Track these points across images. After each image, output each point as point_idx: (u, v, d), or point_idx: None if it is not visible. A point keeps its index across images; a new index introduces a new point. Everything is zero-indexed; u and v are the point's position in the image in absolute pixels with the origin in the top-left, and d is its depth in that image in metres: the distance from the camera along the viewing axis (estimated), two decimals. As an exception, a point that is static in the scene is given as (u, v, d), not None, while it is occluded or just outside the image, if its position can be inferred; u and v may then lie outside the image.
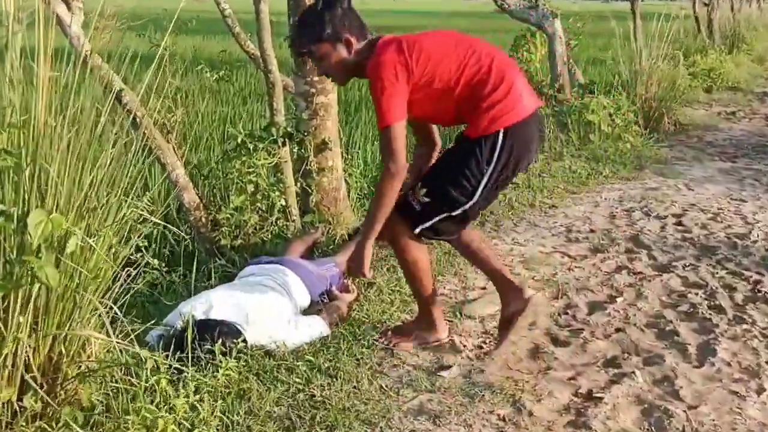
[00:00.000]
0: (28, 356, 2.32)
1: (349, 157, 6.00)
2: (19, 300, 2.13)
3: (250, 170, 4.79)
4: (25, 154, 2.09)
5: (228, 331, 3.09)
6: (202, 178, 5.49)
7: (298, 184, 4.96)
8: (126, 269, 2.98)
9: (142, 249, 4.45)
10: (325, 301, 3.81)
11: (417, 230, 3.14)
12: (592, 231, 5.15)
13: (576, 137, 7.48)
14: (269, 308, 3.36)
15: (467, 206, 3.07)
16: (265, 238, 4.76)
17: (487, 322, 3.69)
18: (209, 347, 2.97)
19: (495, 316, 3.73)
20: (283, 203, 4.88)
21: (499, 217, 5.35)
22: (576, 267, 4.46)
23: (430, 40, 3.06)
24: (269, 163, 4.83)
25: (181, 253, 4.73)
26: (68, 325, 2.33)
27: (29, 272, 2.01)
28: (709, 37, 15.58)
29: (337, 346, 3.30)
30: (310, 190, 4.94)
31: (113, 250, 2.64)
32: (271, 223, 4.81)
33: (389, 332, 3.44)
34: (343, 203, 5.02)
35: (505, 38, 17.87)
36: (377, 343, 3.37)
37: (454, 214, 3.08)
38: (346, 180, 5.20)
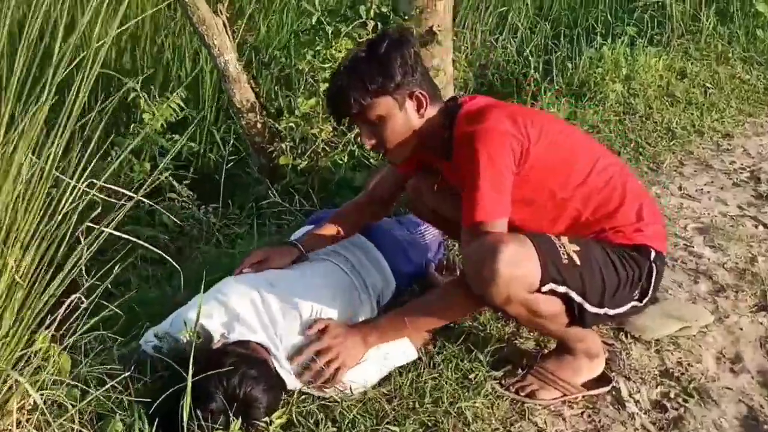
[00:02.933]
0: None
1: (461, 56, 4.57)
2: None
3: (326, 64, 3.46)
4: None
5: (263, 385, 1.86)
6: (262, 66, 4.16)
7: (390, 89, 3.64)
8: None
9: (164, 174, 3.27)
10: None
11: (545, 288, 1.94)
12: (789, 182, 3.71)
13: (743, 33, 5.82)
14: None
15: (592, 311, 2.02)
16: (339, 160, 3.48)
17: (668, 352, 2.40)
18: (223, 421, 1.77)
19: (679, 341, 2.44)
20: (368, 113, 3.56)
21: (658, 149, 3.93)
22: (783, 248, 3.07)
23: (551, 122, 2.15)
24: (353, 57, 3.49)
25: (222, 173, 3.47)
26: None
27: None
28: None
29: (436, 396, 2.07)
30: (405, 98, 3.62)
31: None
32: (350, 140, 3.52)
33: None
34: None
35: None
36: (500, 392, 2.13)
37: (578, 300, 1.99)
38: (455, 86, 3.82)
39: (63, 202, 1.51)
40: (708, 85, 4.87)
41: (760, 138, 4.24)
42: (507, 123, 1.98)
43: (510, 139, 1.96)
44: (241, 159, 3.77)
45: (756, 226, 3.23)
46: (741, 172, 3.78)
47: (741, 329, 2.53)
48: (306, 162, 3.47)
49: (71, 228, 1.54)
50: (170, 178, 3.16)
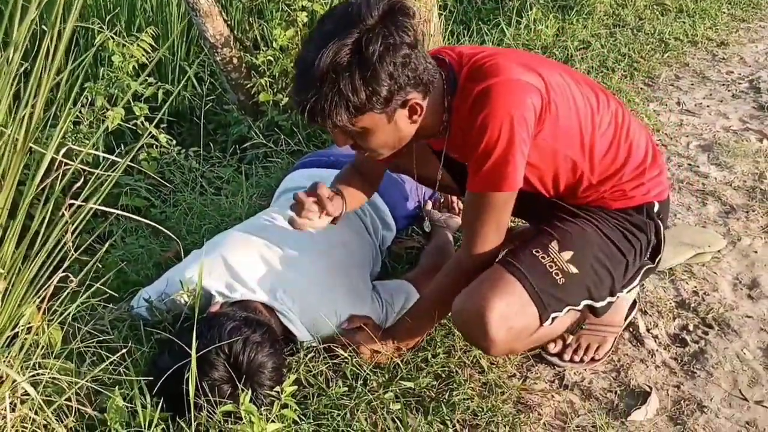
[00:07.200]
0: None
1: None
2: None
3: (303, -9, 3.25)
4: None
5: (268, 349, 1.73)
6: (234, -4, 3.93)
7: (373, 14, 3.44)
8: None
9: (141, 120, 3.08)
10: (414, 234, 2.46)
11: (548, 322, 1.76)
12: (788, 90, 3.59)
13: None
14: (341, 280, 2.00)
15: (603, 304, 1.84)
16: (322, 94, 3.29)
17: (682, 281, 2.30)
18: (230, 392, 1.66)
19: (693, 270, 2.35)
20: (350, 42, 3.37)
21: (652, 63, 3.77)
22: (790, 162, 2.97)
23: (558, 68, 1.81)
24: (331, -19, 3.28)
25: (198, 112, 3.29)
26: None
27: None
28: None
29: (448, 345, 1.97)
30: (388, 24, 3.43)
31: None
32: (333, 71, 3.33)
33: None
34: (435, 41, 3.50)
35: None
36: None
37: (585, 305, 1.82)
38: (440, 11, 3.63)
39: (41, 175, 1.35)
40: (696, -10, 4.69)
41: (755, 44, 4.11)
42: (533, 91, 1.65)
43: (533, 109, 1.65)
44: (217, 96, 3.58)
45: (760, 140, 3.11)
46: (739, 83, 3.65)
47: (755, 252, 2.44)
48: (288, 97, 3.29)
49: (51, 205, 1.39)
50: (146, 123, 2.97)
